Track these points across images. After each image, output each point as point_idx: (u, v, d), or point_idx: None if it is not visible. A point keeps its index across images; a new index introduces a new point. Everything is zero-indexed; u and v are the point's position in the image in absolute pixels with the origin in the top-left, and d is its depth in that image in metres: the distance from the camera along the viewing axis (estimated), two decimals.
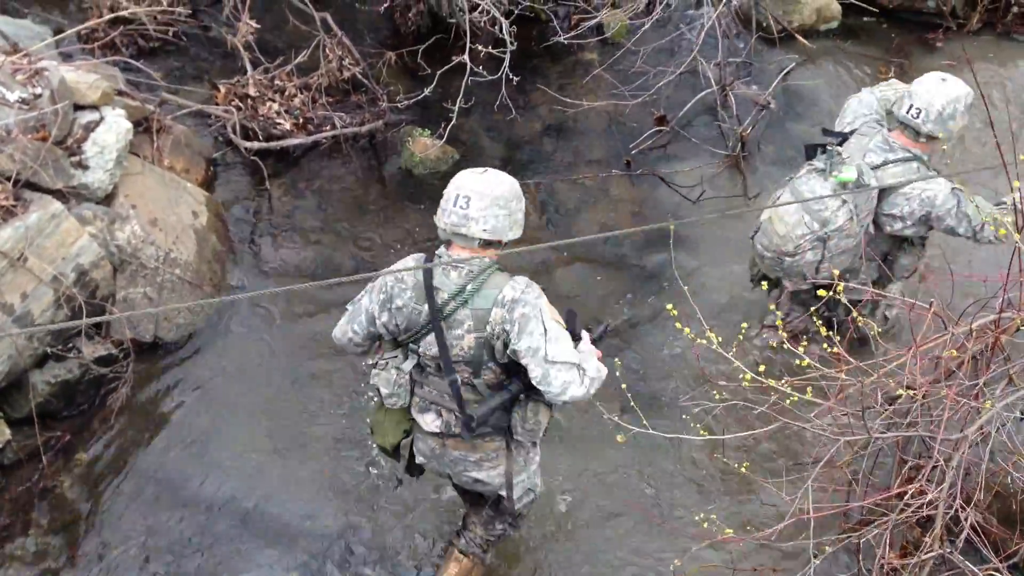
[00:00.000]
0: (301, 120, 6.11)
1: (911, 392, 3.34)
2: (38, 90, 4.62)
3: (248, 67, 6.19)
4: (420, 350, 3.18)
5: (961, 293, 3.85)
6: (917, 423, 3.51)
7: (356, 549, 4.10)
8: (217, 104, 6.04)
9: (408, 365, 3.23)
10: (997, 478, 3.51)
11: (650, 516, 4.12)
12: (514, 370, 3.13)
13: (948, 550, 3.28)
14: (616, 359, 4.19)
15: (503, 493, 3.43)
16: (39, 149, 4.41)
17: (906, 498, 3.30)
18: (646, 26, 6.28)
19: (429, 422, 3.30)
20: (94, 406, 4.59)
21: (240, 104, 6.03)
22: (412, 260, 3.26)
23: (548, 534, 4.15)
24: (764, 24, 6.86)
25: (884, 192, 4.07)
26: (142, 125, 5.32)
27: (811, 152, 4.13)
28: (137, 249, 4.78)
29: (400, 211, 5.85)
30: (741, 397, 3.44)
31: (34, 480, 4.29)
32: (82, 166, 4.65)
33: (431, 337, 3.10)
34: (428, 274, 3.07)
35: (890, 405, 3.50)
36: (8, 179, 4.28)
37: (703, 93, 6.30)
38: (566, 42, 6.34)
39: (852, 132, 4.23)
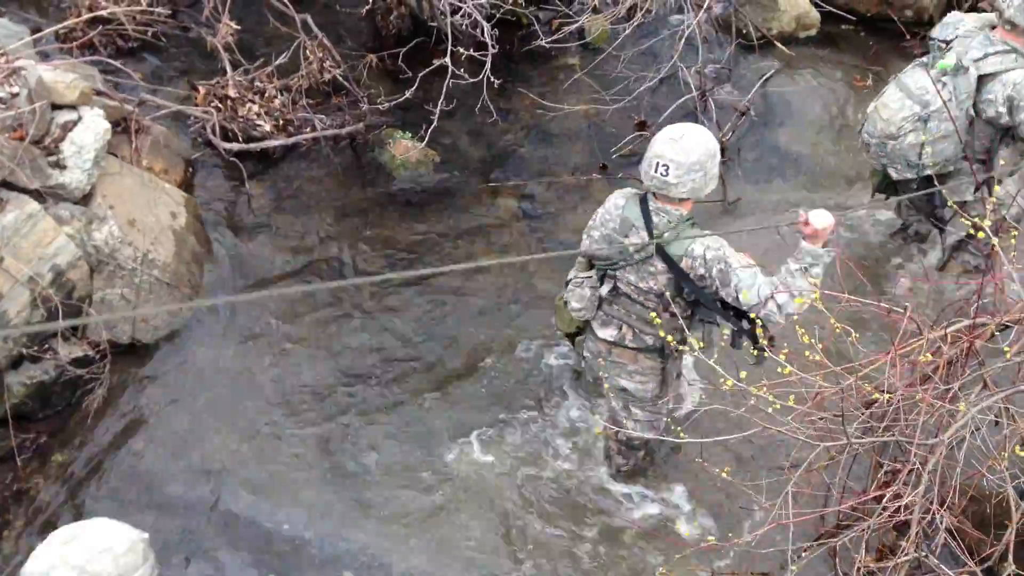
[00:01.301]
0: (281, 122, 6.08)
1: (888, 396, 3.37)
2: (15, 89, 4.58)
3: (228, 68, 6.15)
4: (619, 276, 3.71)
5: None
6: (893, 427, 3.54)
7: (337, 552, 4.10)
8: (196, 105, 6.00)
9: (605, 290, 3.80)
10: (972, 481, 3.54)
11: (632, 522, 4.13)
12: (697, 305, 3.70)
13: (924, 553, 3.31)
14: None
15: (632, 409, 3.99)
16: (16, 148, 4.37)
17: (883, 502, 3.34)
18: (627, 31, 6.30)
19: (606, 333, 3.87)
20: (70, 407, 4.55)
21: (220, 105, 5.99)
22: (621, 197, 3.76)
23: (530, 537, 4.15)
24: (744, 31, 6.90)
25: (983, 80, 4.40)
26: (120, 125, 5.27)
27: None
28: (115, 250, 4.74)
29: (380, 213, 5.84)
30: (720, 401, 3.47)
31: (8, 482, 4.25)
32: (60, 166, 4.61)
33: (634, 268, 3.67)
34: (646, 214, 3.59)
35: (867, 408, 3.53)
36: None
37: (683, 99, 6.34)
38: (547, 46, 6.36)
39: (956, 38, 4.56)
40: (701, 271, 3.56)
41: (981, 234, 3.22)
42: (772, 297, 3.42)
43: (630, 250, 3.62)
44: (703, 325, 3.75)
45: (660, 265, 3.63)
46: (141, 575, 2.33)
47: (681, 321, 3.68)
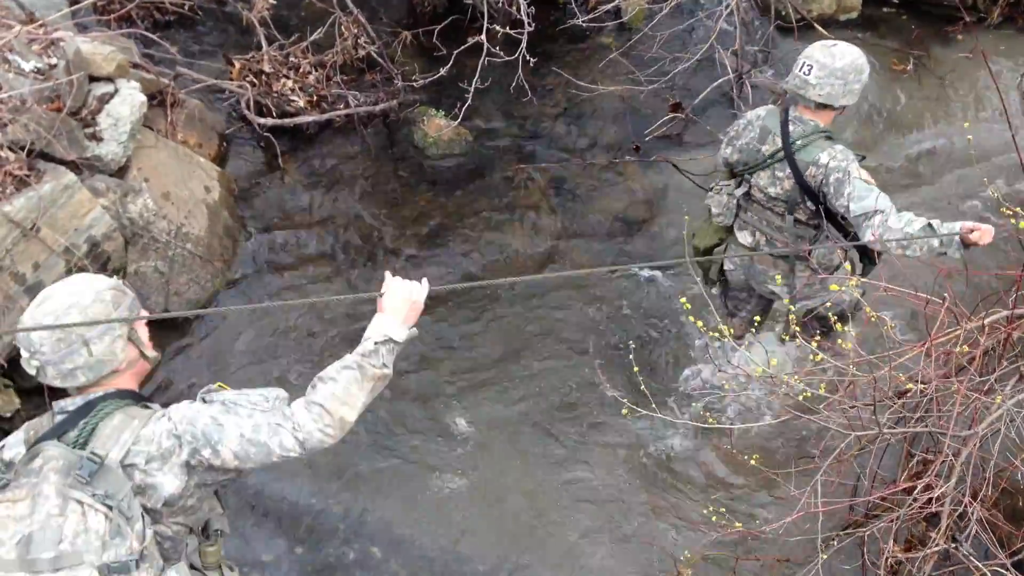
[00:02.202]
0: (315, 98, 6.09)
1: (922, 387, 3.33)
2: (53, 60, 4.62)
3: (263, 43, 6.16)
4: (752, 181, 3.95)
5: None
6: (926, 418, 3.49)
7: (364, 530, 4.13)
8: (231, 79, 6.02)
9: (739, 192, 4.05)
10: (1005, 474, 3.49)
11: (661, 509, 4.12)
12: (824, 214, 3.81)
13: (953, 545, 3.28)
14: (631, 343, 4.21)
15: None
16: (53, 120, 4.41)
17: (914, 493, 3.30)
18: (664, 11, 6.23)
19: (744, 238, 4.13)
20: None
21: (254, 80, 6.01)
22: (763, 109, 3.98)
23: (557, 521, 4.15)
24: (783, 13, 6.81)
25: None
26: (156, 98, 5.30)
27: None
28: (149, 222, 4.78)
29: (412, 191, 5.84)
30: (749, 389, 3.45)
31: None
32: (96, 138, 4.65)
33: (764, 172, 3.88)
34: (785, 123, 3.77)
35: (899, 399, 3.49)
36: (22, 149, 4.27)
37: (719, 81, 6.27)
38: (584, 25, 6.30)
39: None
40: (821, 179, 3.70)
41: (1022, 223, 3.15)
42: (883, 213, 3.46)
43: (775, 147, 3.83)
44: (826, 238, 3.93)
45: (787, 171, 3.80)
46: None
47: (795, 228, 3.93)
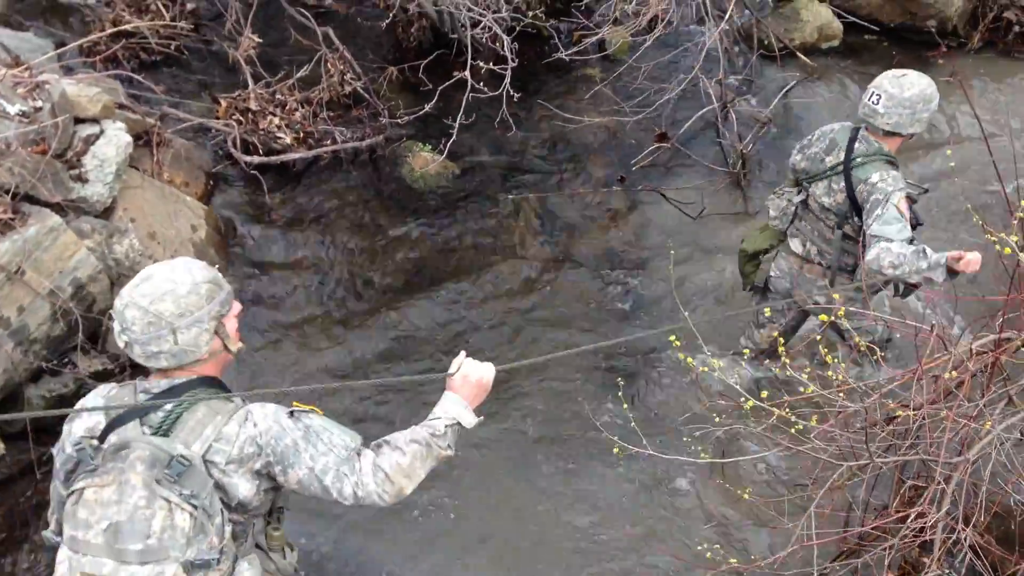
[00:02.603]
0: (302, 134, 6.11)
1: (912, 413, 3.32)
2: (38, 103, 4.62)
3: (249, 81, 6.19)
4: (811, 190, 4.10)
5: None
6: (917, 444, 3.48)
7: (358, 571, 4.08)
8: (218, 118, 6.04)
9: (798, 199, 4.21)
10: (997, 499, 3.47)
11: (653, 543, 4.08)
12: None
13: (948, 571, 3.26)
14: (619, 379, 4.19)
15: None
16: (38, 162, 4.41)
17: (907, 521, 3.28)
18: (648, 43, 6.28)
19: (796, 246, 4.26)
20: None
21: (241, 118, 6.03)
22: (838, 124, 4.12)
23: (556, 546, 4.11)
24: (765, 42, 6.87)
25: None
26: (142, 138, 5.32)
27: None
28: (135, 262, 4.77)
29: (399, 225, 5.84)
30: (743, 420, 3.43)
31: (28, 495, 4.26)
32: (81, 179, 4.65)
33: (822, 183, 4.03)
34: (852, 139, 3.93)
35: (888, 425, 3.48)
36: (7, 192, 4.26)
37: (704, 110, 6.31)
38: (568, 59, 6.35)
39: None
40: (865, 195, 3.83)
41: (1008, 250, 3.16)
42: (884, 247, 3.63)
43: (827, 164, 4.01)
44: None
45: (843, 185, 3.94)
46: (206, 312, 2.39)
47: (843, 243, 4.06)
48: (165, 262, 2.45)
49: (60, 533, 2.30)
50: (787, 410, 3.12)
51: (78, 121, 4.82)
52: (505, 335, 5.15)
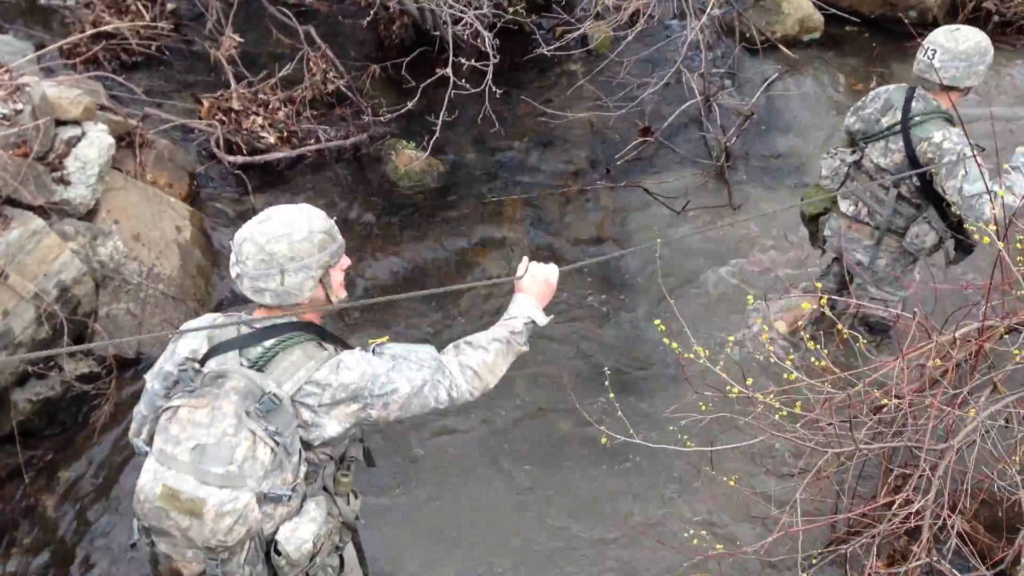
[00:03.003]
0: (285, 134, 6.10)
1: (897, 402, 3.35)
2: (19, 106, 4.60)
3: (232, 81, 6.18)
4: (866, 151, 4.17)
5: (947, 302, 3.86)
6: (903, 432, 3.51)
7: None
8: (200, 118, 6.02)
9: (852, 159, 4.27)
10: (983, 486, 3.50)
11: (639, 532, 4.10)
12: (927, 194, 4.00)
13: (935, 558, 3.28)
14: (606, 369, 4.20)
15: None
16: (20, 165, 4.38)
17: (894, 508, 3.31)
18: (629, 37, 6.29)
19: (846, 207, 4.32)
20: (77, 424, 4.54)
21: (224, 118, 6.01)
22: (892, 85, 4.16)
23: (536, 549, 4.12)
24: (747, 35, 6.90)
25: None
26: (124, 140, 5.29)
27: None
28: (120, 264, 4.75)
29: (385, 224, 5.84)
30: (729, 409, 3.44)
31: (16, 499, 4.24)
32: (64, 182, 4.62)
33: (878, 143, 4.08)
34: (909, 99, 3.96)
35: (875, 414, 3.51)
36: None
37: (687, 104, 6.33)
38: (550, 54, 6.36)
39: None
40: (931, 156, 3.85)
41: (986, 239, 3.19)
42: (989, 192, 3.63)
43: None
44: (924, 220, 4.11)
45: (900, 144, 3.97)
46: (316, 260, 2.51)
47: (897, 203, 4.12)
48: (288, 206, 2.61)
49: (150, 443, 2.45)
50: (772, 397, 3.14)
51: (59, 123, 4.79)
52: (481, 317, 5.15)
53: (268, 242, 2.47)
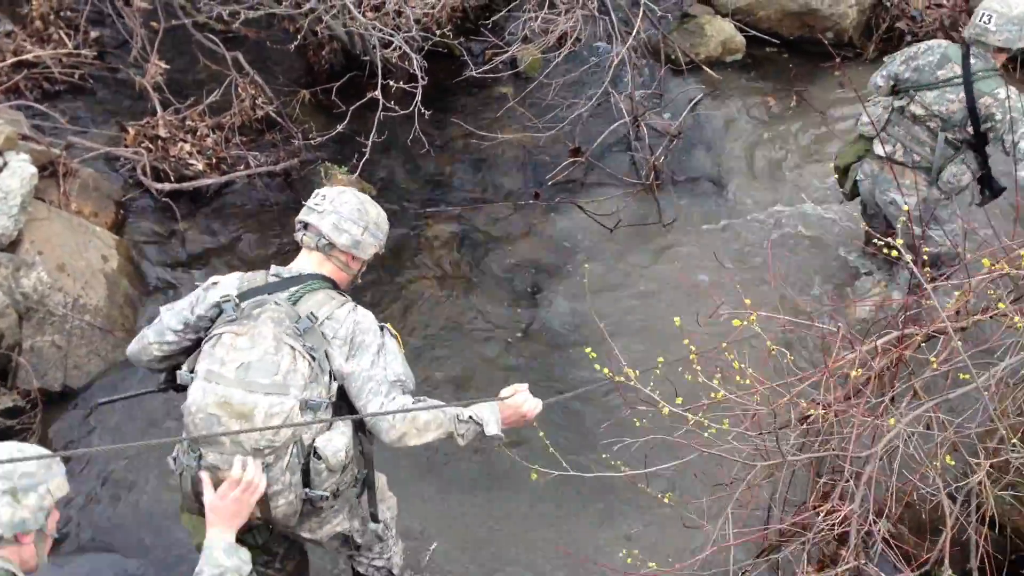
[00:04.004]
0: (214, 160, 6.03)
1: (823, 412, 3.44)
2: None
3: (158, 108, 6.10)
4: (916, 98, 4.52)
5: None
6: (829, 441, 3.60)
7: None
8: (126, 146, 5.93)
9: (897, 104, 4.62)
10: (909, 490, 3.60)
11: (573, 557, 4.12)
12: (975, 141, 4.47)
13: (863, 562, 3.36)
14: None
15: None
16: None
17: (822, 515, 3.39)
18: (557, 60, 6.38)
19: (881, 150, 4.63)
20: None
21: (151, 145, 5.93)
22: (944, 42, 4.63)
23: (468, 570, 4.12)
24: (672, 56, 7.04)
25: None
26: (48, 169, 5.20)
27: None
28: (44, 296, 4.65)
29: None
30: (662, 428, 3.49)
31: None
32: None
33: (933, 92, 4.47)
34: (966, 56, 4.40)
35: (802, 424, 3.59)
36: None
37: (616, 124, 6.42)
38: (478, 76, 6.41)
39: None
40: (994, 110, 4.32)
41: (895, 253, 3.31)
42: None
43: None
44: (961, 161, 4.58)
45: (960, 95, 4.39)
46: (384, 237, 3.13)
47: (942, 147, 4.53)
48: (346, 190, 3.10)
49: (193, 371, 2.77)
50: (702, 415, 3.21)
51: None
52: (421, 351, 5.15)
53: (364, 203, 3.03)
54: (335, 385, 2.80)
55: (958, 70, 4.44)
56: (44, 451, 2.38)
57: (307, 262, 2.99)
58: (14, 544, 2.29)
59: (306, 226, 3.01)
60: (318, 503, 2.87)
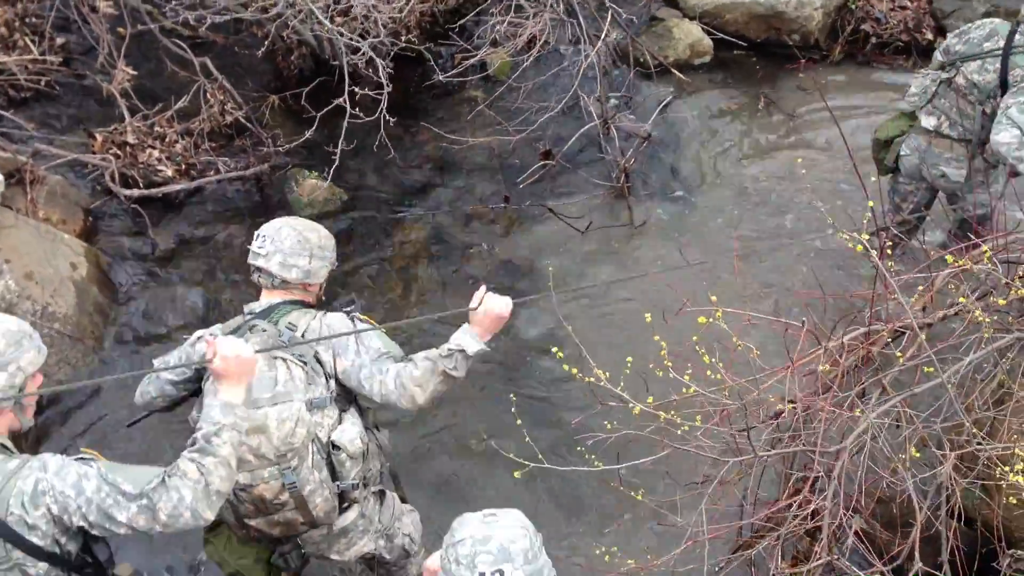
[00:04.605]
0: (184, 166, 6.00)
1: (791, 407, 3.48)
2: None
3: (126, 114, 6.06)
4: (962, 69, 4.64)
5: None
6: (799, 437, 3.64)
7: None
8: (94, 152, 5.89)
9: (945, 76, 4.73)
10: (879, 484, 3.64)
11: (552, 550, 4.13)
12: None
13: (836, 556, 3.40)
14: (512, 395, 4.23)
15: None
16: None
17: (793, 510, 3.42)
18: (526, 63, 6.40)
19: (929, 122, 4.79)
20: None
21: (119, 152, 5.89)
22: (999, 20, 4.73)
23: None
24: (641, 59, 7.08)
25: None
26: (14, 177, 5.16)
27: None
28: (12, 304, 4.61)
29: None
30: (634, 426, 3.51)
31: None
32: None
33: (976, 63, 4.58)
34: (1013, 32, 4.51)
35: (774, 419, 3.63)
36: None
37: (586, 127, 6.45)
38: (445, 80, 6.42)
39: None
40: (1016, 78, 4.41)
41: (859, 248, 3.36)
42: (1006, 126, 4.30)
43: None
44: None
45: (996, 66, 4.52)
46: (332, 257, 3.23)
47: (983, 118, 4.61)
48: (294, 219, 3.23)
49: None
50: (674, 413, 3.23)
51: None
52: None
53: (303, 232, 3.13)
54: (332, 383, 3.00)
55: (1002, 44, 4.59)
56: (19, 324, 2.54)
57: (271, 296, 3.16)
58: None
59: (259, 269, 3.14)
60: (350, 494, 3.09)
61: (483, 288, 3.05)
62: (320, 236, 3.17)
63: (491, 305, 3.01)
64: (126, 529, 2.36)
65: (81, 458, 2.45)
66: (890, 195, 5.19)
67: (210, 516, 2.41)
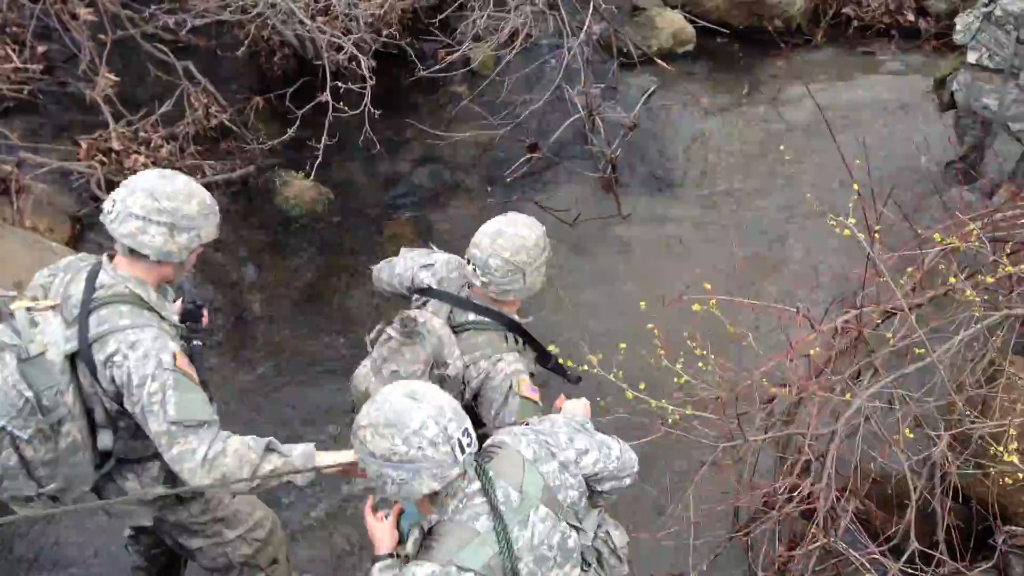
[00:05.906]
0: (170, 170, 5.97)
1: (784, 392, 3.49)
2: None
3: (110, 120, 6.03)
4: (999, 1, 4.87)
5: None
6: (792, 421, 3.66)
7: None
8: (79, 160, 5.86)
9: (984, 10, 4.95)
10: (875, 465, 3.65)
11: None
12: None
13: (832, 538, 3.41)
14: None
15: None
16: None
17: (787, 493, 3.43)
18: (510, 57, 6.40)
19: (973, 56, 5.02)
20: None
21: (104, 159, 5.86)
22: None
23: None
24: (624, 50, 7.09)
25: None
26: (0, 187, 5.13)
27: None
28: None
29: (278, 254, 5.79)
30: (628, 410, 3.52)
31: None
32: None
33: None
34: None
35: (768, 403, 3.64)
36: None
37: (572, 119, 6.45)
38: (428, 75, 6.42)
39: None
40: None
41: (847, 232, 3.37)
42: None
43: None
44: None
45: None
46: (544, 261, 3.14)
47: (1017, 46, 4.86)
48: (503, 217, 3.13)
49: None
50: (663, 401, 3.24)
51: None
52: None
53: (513, 254, 3.03)
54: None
55: None
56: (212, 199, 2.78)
57: None
58: (156, 265, 2.73)
59: None
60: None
61: (561, 397, 2.90)
62: (528, 249, 3.04)
63: (570, 409, 2.80)
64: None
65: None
66: (956, 130, 5.45)
67: (197, 482, 2.54)
